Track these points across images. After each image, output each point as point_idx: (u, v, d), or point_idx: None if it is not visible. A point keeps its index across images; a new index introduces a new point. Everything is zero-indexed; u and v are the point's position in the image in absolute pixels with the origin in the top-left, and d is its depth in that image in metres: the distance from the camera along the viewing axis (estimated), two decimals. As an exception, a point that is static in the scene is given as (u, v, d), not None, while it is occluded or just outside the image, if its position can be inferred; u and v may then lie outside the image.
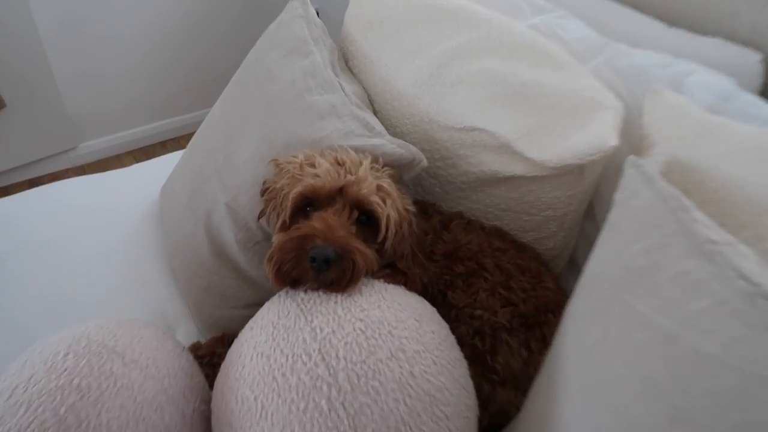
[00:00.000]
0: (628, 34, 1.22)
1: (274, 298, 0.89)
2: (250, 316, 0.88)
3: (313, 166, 0.94)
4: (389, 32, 1.19)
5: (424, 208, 1.17)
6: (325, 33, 1.18)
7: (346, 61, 1.31)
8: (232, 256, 1.10)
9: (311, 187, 0.91)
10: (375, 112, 1.18)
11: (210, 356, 1.10)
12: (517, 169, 1.06)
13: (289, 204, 0.92)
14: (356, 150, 0.95)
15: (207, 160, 1.16)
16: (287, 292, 0.88)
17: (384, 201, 0.93)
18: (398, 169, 0.99)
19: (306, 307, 0.79)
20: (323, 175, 0.88)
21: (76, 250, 1.26)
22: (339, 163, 0.90)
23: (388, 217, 0.93)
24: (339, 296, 0.84)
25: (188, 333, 1.17)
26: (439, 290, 0.97)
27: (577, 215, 1.13)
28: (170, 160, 1.50)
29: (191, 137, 1.34)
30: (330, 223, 0.87)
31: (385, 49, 1.18)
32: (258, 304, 0.87)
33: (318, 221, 0.87)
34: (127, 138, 2.96)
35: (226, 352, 0.92)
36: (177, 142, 3.22)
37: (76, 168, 2.82)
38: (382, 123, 1.14)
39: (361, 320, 0.79)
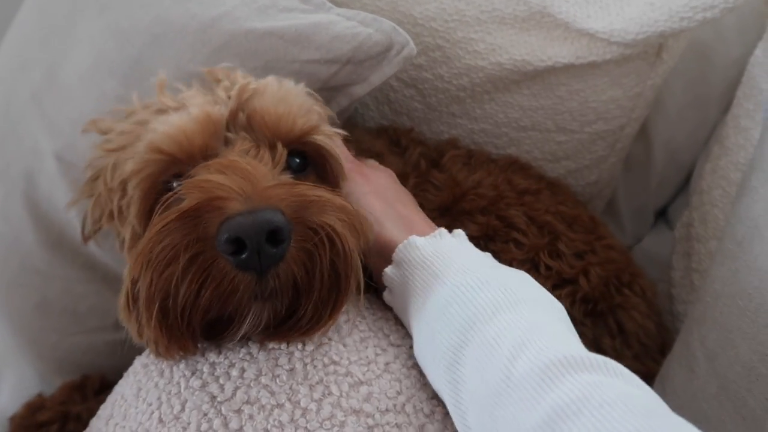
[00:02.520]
0: None
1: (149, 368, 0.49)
2: (125, 340, 0.55)
3: (164, 112, 0.50)
4: None
5: (395, 138, 0.77)
6: None
7: None
8: (79, 244, 0.70)
9: (177, 130, 0.47)
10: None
11: (60, 421, 0.69)
12: (561, 52, 0.67)
13: (137, 183, 0.48)
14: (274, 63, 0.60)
15: (15, 82, 0.76)
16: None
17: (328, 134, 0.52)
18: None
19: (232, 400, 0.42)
20: (195, 103, 0.48)
21: None
22: (216, 80, 0.53)
23: (335, 156, 0.52)
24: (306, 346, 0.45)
25: (22, 379, 0.81)
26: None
27: (635, 129, 0.76)
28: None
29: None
30: (244, 168, 0.43)
31: None
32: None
33: (219, 170, 0.43)
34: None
35: (90, 409, 0.62)
36: None
37: None
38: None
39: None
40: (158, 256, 0.39)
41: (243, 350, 0.44)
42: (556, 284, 0.64)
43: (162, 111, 0.49)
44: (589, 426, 0.30)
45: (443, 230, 0.49)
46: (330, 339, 0.44)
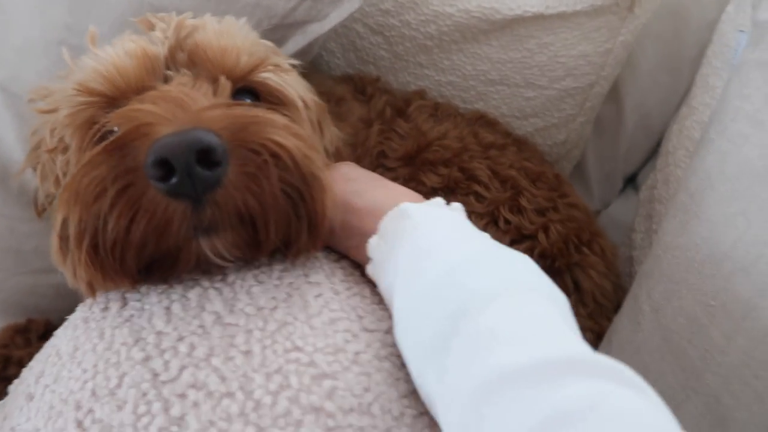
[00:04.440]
0: None
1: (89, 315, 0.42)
2: None
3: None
4: None
5: (360, 87, 0.75)
6: None
7: None
8: (24, 181, 0.66)
9: (108, 65, 0.43)
10: None
11: (1, 363, 0.66)
12: (531, 0, 0.61)
13: (73, 131, 0.44)
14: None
15: None
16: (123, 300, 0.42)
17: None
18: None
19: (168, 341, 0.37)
20: (128, 46, 0.44)
21: None
22: (150, 28, 0.48)
23: (290, 96, 0.47)
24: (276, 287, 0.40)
25: None
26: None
27: (605, 89, 0.74)
28: None
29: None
30: (177, 96, 0.39)
31: None
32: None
33: (151, 101, 0.39)
34: None
35: (32, 354, 0.53)
36: None
37: None
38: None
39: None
40: (85, 191, 0.36)
41: (195, 322, 0.38)
42: (514, 239, 0.63)
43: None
44: None
45: (439, 200, 0.43)
46: (296, 319, 0.38)
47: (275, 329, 0.37)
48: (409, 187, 0.64)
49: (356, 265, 0.45)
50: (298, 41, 0.62)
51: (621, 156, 0.88)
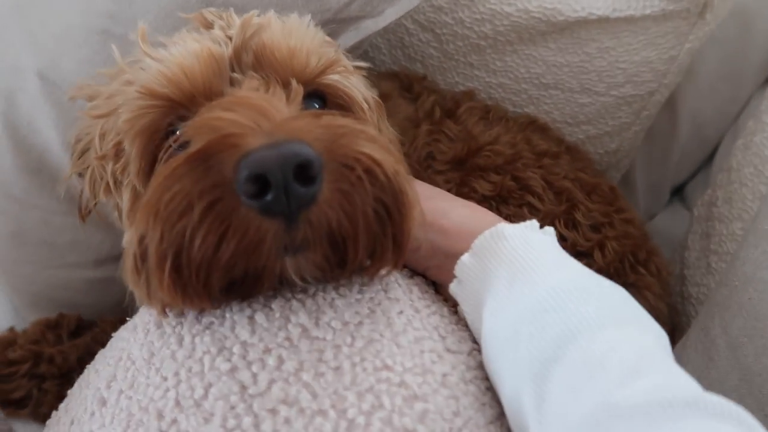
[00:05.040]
0: None
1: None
2: (107, 278, 0.59)
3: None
4: None
5: (407, 84, 0.71)
6: None
7: None
8: (60, 173, 0.65)
9: (174, 67, 0.40)
10: None
11: (32, 360, 0.64)
12: (597, 2, 0.61)
13: (134, 137, 0.40)
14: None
15: None
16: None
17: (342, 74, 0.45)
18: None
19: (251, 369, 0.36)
20: (192, 47, 0.41)
21: None
22: (207, 26, 0.45)
23: (357, 98, 0.45)
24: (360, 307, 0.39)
25: None
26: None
27: (664, 97, 0.71)
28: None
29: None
30: (258, 103, 0.36)
31: None
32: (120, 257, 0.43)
33: (228, 108, 0.36)
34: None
35: (64, 352, 0.62)
36: None
37: None
38: None
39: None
40: (168, 207, 0.33)
41: (281, 334, 0.36)
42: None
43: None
44: None
45: (534, 222, 0.42)
46: (382, 336, 0.37)
47: (363, 346, 0.36)
48: (461, 194, 0.62)
49: (429, 282, 0.44)
50: (350, 37, 0.59)
51: (671, 166, 0.85)
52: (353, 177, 0.34)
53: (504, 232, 0.40)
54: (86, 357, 0.64)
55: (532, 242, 0.39)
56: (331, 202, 0.33)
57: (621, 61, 0.66)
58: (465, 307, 0.41)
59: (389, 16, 0.57)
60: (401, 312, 0.39)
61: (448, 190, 0.63)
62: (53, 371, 0.63)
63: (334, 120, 0.36)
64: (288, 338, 0.36)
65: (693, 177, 0.89)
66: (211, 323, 0.37)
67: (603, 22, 0.62)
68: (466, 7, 0.66)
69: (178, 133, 0.39)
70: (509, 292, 0.37)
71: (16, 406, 0.62)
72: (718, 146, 0.84)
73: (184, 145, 0.37)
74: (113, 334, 0.45)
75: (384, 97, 0.68)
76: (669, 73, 0.67)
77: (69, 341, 0.66)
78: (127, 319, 0.71)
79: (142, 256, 0.35)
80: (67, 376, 0.63)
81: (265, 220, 0.32)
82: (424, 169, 0.65)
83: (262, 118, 0.34)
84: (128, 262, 0.37)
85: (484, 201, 0.64)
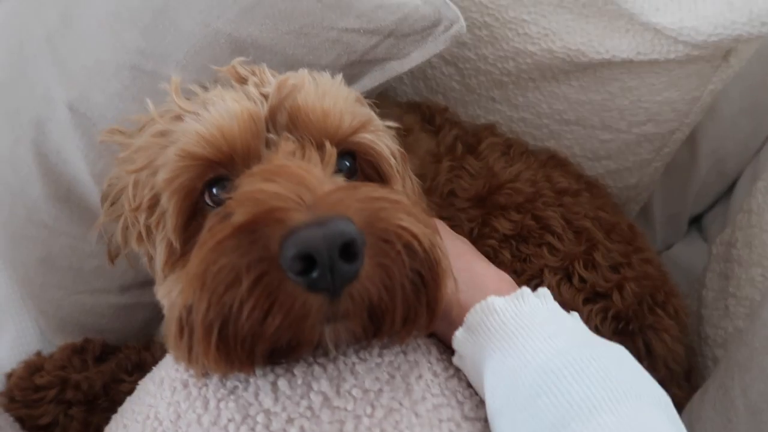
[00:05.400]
0: None
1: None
2: (132, 304, 0.62)
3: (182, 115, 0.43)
4: None
5: (428, 116, 0.72)
6: None
7: None
8: (88, 201, 0.68)
9: (213, 130, 0.41)
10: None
11: (59, 386, 0.65)
12: (621, 45, 0.61)
13: (171, 194, 0.42)
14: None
15: (30, 20, 0.70)
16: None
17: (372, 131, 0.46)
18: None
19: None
20: (227, 100, 0.42)
21: None
22: (240, 81, 0.46)
23: (386, 155, 0.46)
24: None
25: (23, 334, 0.76)
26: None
27: (685, 134, 0.73)
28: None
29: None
30: (297, 172, 0.37)
31: None
32: (148, 284, 0.49)
33: (268, 178, 0.37)
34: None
35: (90, 379, 0.63)
36: None
37: None
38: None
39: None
40: (215, 279, 0.34)
41: (303, 402, 0.37)
42: (588, 298, 0.60)
43: (180, 118, 0.43)
44: None
45: (525, 290, 0.42)
46: (401, 405, 0.37)
47: (383, 416, 0.36)
48: (482, 234, 0.62)
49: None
50: (375, 77, 0.60)
51: (690, 198, 0.85)
52: (392, 252, 0.35)
53: (494, 305, 0.40)
54: (111, 384, 0.66)
55: (523, 314, 0.39)
56: (371, 276, 0.34)
57: (643, 100, 0.66)
58: (470, 378, 0.41)
59: (415, 58, 0.58)
60: (420, 376, 0.39)
61: (471, 230, 0.64)
62: (79, 397, 0.64)
63: (372, 192, 0.37)
64: (309, 407, 0.36)
65: (711, 208, 0.88)
66: (236, 387, 0.38)
67: (627, 63, 0.62)
68: (490, 44, 0.66)
69: (215, 192, 0.41)
70: (503, 373, 0.37)
71: (43, 432, 0.64)
72: (738, 178, 0.83)
73: (226, 215, 0.37)
74: (139, 382, 0.46)
75: (406, 130, 0.69)
76: (691, 113, 0.67)
77: (94, 366, 0.67)
78: (150, 347, 0.72)
79: (188, 325, 0.36)
80: (92, 402, 0.64)
81: (310, 295, 0.33)
82: (446, 207, 0.66)
83: (304, 190, 0.35)
84: (172, 327, 0.37)
85: (504, 240, 0.64)
